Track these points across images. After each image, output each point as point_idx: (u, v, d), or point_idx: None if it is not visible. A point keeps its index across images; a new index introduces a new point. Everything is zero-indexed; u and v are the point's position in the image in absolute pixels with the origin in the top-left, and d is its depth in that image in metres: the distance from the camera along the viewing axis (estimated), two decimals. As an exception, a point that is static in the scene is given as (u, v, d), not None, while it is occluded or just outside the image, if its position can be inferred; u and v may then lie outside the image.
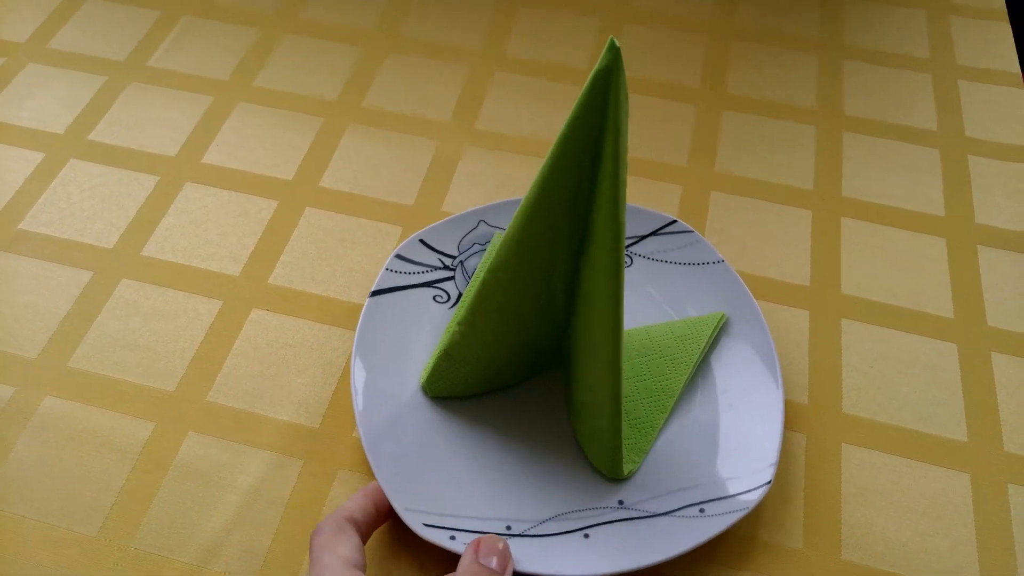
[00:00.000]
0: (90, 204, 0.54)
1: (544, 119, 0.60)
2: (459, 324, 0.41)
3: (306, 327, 0.48)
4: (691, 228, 0.50)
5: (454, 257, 0.49)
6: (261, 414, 0.45)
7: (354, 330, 0.46)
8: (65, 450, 0.43)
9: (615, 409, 0.37)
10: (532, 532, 0.39)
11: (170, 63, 0.63)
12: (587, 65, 0.63)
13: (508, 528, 0.39)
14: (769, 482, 0.40)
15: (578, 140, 0.32)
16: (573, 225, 0.35)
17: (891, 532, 0.41)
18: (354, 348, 0.44)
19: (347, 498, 0.40)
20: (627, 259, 0.49)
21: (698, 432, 0.43)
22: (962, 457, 0.44)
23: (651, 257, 0.49)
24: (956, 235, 0.54)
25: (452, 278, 0.49)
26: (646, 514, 0.40)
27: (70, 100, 0.60)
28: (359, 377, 0.44)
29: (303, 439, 0.44)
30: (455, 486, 0.41)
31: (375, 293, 0.47)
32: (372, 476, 0.42)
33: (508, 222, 0.44)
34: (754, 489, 0.40)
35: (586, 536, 0.39)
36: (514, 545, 0.38)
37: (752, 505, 0.39)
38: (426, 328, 0.47)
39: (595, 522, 0.40)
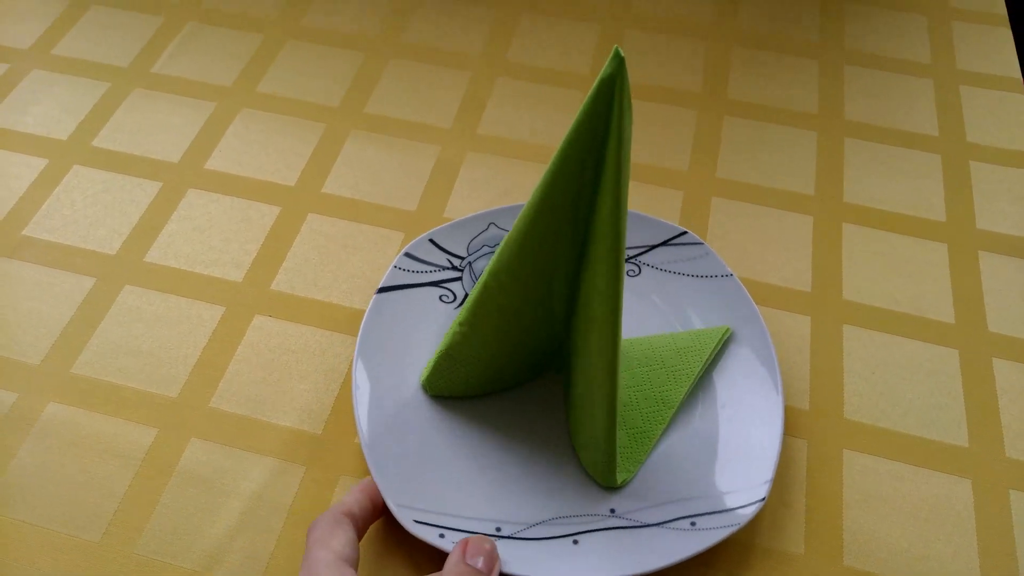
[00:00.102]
0: (93, 210, 0.54)
1: (546, 124, 0.60)
2: (460, 324, 0.41)
3: (308, 333, 0.48)
4: (702, 240, 0.49)
5: (463, 258, 0.49)
6: (263, 420, 0.45)
7: (356, 336, 0.46)
8: (68, 456, 0.43)
9: (610, 417, 0.37)
10: (521, 535, 0.39)
11: (173, 69, 0.63)
12: (588, 70, 0.64)
13: (498, 529, 0.39)
14: (763, 499, 0.39)
15: (581, 146, 0.32)
16: (575, 230, 0.35)
17: (893, 538, 0.42)
18: (357, 342, 0.45)
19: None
20: (635, 268, 0.50)
21: (696, 444, 0.43)
22: (964, 463, 0.44)
23: (660, 267, 0.49)
24: (957, 240, 0.54)
25: (460, 279, 0.49)
26: (637, 524, 0.40)
27: (74, 106, 0.60)
28: (360, 371, 0.44)
29: (305, 445, 0.44)
30: (448, 484, 0.41)
31: (382, 290, 0.47)
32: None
33: None
34: (748, 505, 0.39)
35: (575, 542, 0.39)
36: (503, 547, 0.38)
37: (745, 520, 0.39)
38: (431, 327, 0.47)
39: (585, 529, 0.40)
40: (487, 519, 0.40)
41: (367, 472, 0.43)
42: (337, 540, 0.35)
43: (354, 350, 0.45)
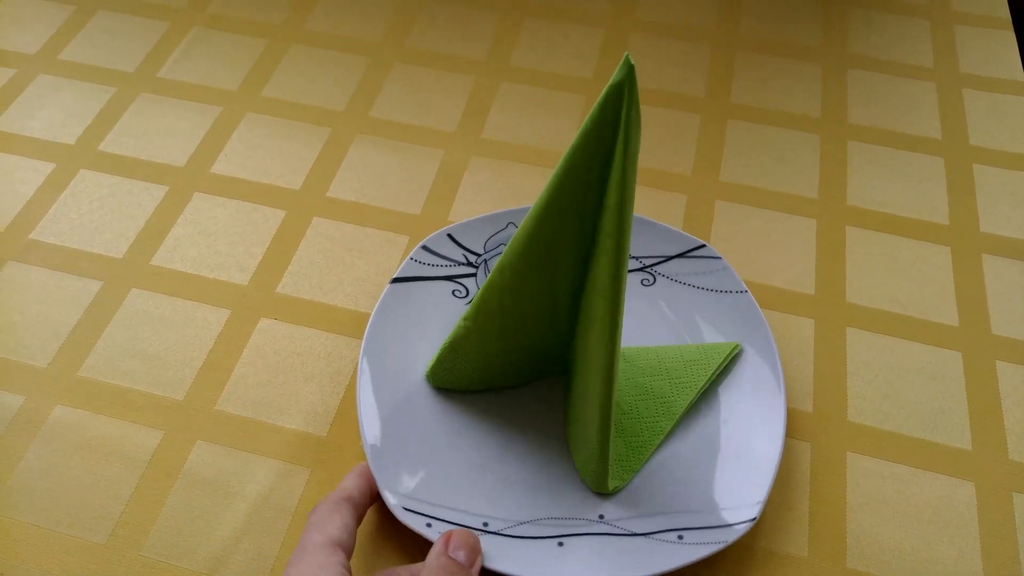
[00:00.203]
0: (100, 214, 0.54)
1: (549, 129, 0.60)
2: (465, 319, 0.41)
3: (314, 336, 0.48)
4: (719, 255, 0.49)
5: (479, 255, 0.50)
6: (269, 423, 0.45)
7: (361, 339, 0.46)
8: (74, 459, 0.44)
9: (605, 423, 0.37)
10: (507, 532, 0.39)
11: (179, 74, 0.63)
12: (591, 75, 0.64)
13: (485, 524, 0.40)
14: (754, 519, 0.39)
15: (589, 151, 0.32)
16: (581, 234, 0.36)
17: (896, 540, 0.42)
18: (367, 330, 0.45)
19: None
20: (650, 277, 0.49)
21: (693, 457, 0.43)
22: (967, 465, 0.44)
23: (674, 278, 0.49)
24: (961, 243, 0.54)
25: (474, 275, 0.49)
26: (624, 532, 0.40)
27: (80, 111, 0.61)
28: (366, 358, 0.44)
29: (311, 448, 0.44)
30: (441, 475, 0.41)
31: (396, 280, 0.47)
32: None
33: None
34: (738, 524, 0.39)
35: (560, 544, 0.39)
36: (487, 542, 0.38)
37: (734, 538, 0.38)
38: (441, 319, 0.47)
39: (572, 532, 0.40)
40: (475, 513, 0.40)
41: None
42: (333, 524, 0.36)
43: (359, 352, 0.45)
